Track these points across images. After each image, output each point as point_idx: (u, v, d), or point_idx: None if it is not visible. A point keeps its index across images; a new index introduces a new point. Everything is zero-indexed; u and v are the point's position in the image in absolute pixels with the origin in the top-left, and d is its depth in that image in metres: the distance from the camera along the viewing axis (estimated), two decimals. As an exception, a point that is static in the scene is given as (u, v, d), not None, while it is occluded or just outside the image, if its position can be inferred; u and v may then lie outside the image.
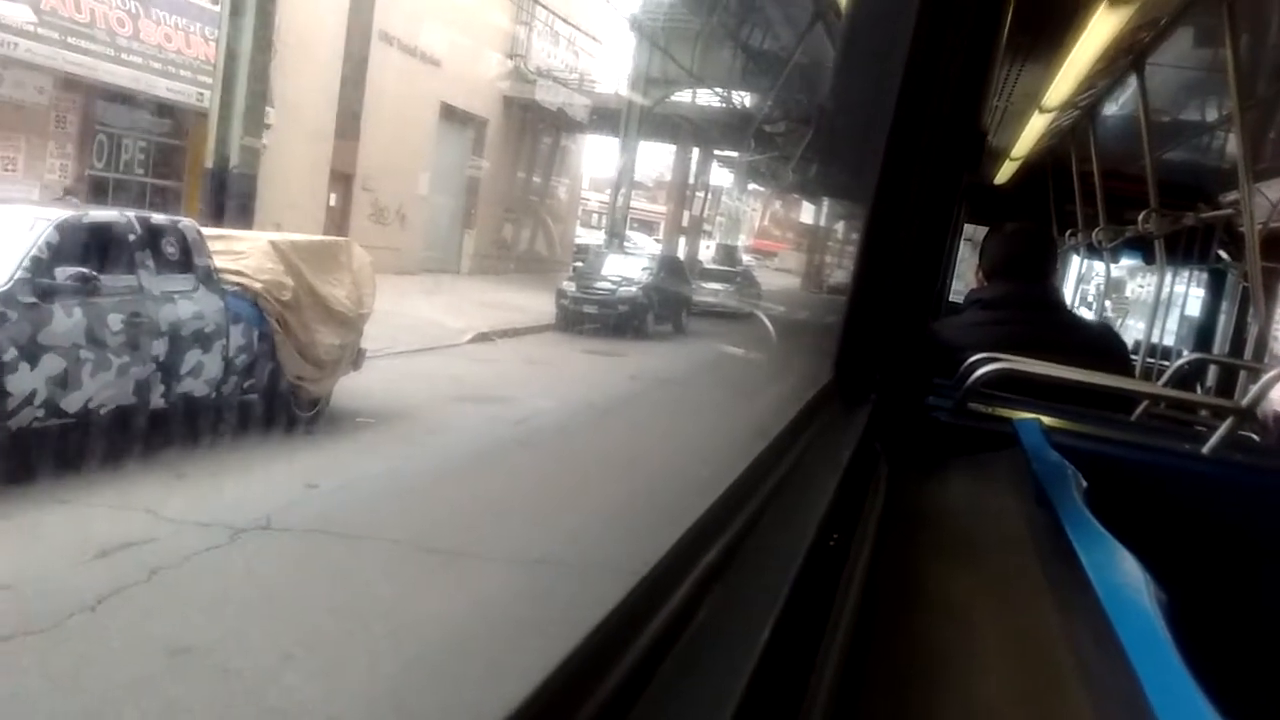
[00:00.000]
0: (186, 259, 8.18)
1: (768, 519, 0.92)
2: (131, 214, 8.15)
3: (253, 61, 12.84)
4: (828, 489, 1.10)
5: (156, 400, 7.72)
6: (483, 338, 16.08)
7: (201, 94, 16.15)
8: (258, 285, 8.59)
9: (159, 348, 7.71)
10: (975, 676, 1.02)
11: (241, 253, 8.76)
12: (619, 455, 9.17)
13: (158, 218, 8.45)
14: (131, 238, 7.78)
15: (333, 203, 22.66)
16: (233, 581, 5.74)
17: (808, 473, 1.18)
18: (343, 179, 22.82)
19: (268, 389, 8.80)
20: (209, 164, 12.88)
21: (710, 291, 26.83)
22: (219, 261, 8.46)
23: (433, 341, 14.64)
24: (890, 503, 1.44)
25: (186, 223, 8.54)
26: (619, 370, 16.67)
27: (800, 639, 0.77)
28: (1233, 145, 7.00)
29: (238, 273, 8.56)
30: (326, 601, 5.52)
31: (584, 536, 6.46)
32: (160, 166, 17.96)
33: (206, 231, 8.68)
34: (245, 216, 12.76)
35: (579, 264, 24.74)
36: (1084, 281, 12.97)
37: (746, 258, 47.55)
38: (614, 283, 20.62)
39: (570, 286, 20.59)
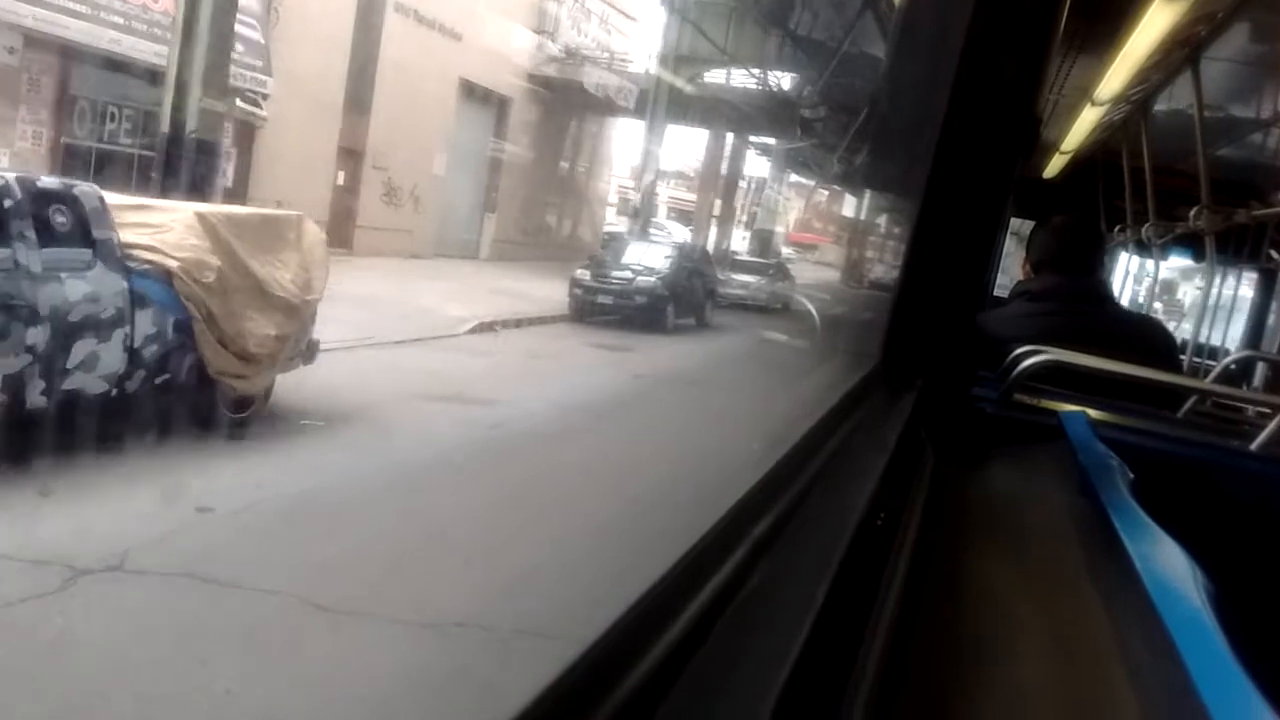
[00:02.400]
0: (82, 231, 6.82)
1: (816, 495, 0.93)
2: (11, 176, 6.78)
3: (215, 14, 11.41)
4: (875, 469, 1.10)
5: (34, 398, 6.38)
6: (484, 328, 15.13)
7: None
8: (173, 264, 7.20)
9: (37, 335, 6.37)
10: (1020, 665, 1.02)
11: (160, 226, 7.39)
12: (602, 470, 7.77)
13: (46, 181, 7.14)
14: (8, 204, 6.45)
15: (341, 181, 21.46)
16: (32, 651, 4.27)
17: (855, 452, 1.19)
18: (352, 156, 21.66)
19: (186, 386, 7.36)
20: (164, 129, 11.38)
21: (741, 284, 25.64)
22: (129, 235, 7.12)
23: (426, 331, 13.61)
24: (935, 490, 1.44)
25: (85, 188, 7.16)
26: (625, 367, 15.11)
27: (850, 611, 0.78)
28: (1288, 142, 6.90)
29: (151, 249, 7.20)
30: (139, 686, 4.15)
31: (527, 588, 5.16)
32: (147, 135, 15.83)
33: (118, 200, 7.37)
34: (205, 187, 11.40)
35: (596, 252, 23.40)
36: (1136, 282, 12.52)
37: (785, 250, 46.71)
38: (632, 272, 19.51)
39: (585, 275, 19.32)
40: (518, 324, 16.53)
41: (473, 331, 14.72)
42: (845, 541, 0.81)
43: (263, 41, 17.19)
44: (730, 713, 0.55)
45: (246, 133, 17.72)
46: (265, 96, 17.39)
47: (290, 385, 8.43)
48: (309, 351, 8.66)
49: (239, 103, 16.66)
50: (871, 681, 0.74)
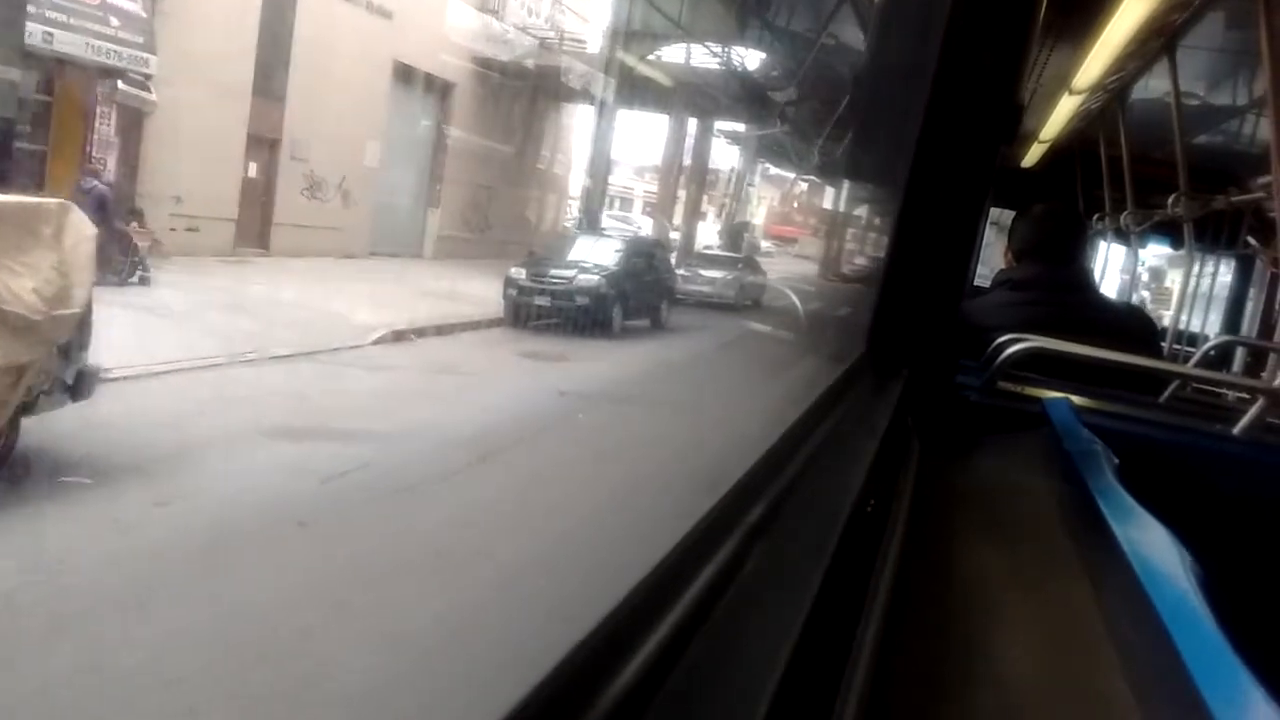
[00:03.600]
0: None
1: (808, 481, 0.93)
2: None
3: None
4: (865, 456, 1.10)
5: None
6: (397, 337, 13.13)
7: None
8: None
9: None
10: (1012, 648, 1.02)
11: None
12: (459, 548, 5.34)
13: None
14: None
15: (252, 173, 19.20)
16: None
17: (845, 439, 1.19)
18: (265, 145, 19.40)
19: None
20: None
21: (706, 280, 23.75)
22: None
23: (323, 343, 11.46)
24: (922, 476, 1.45)
25: None
26: (552, 381, 12.59)
27: (845, 596, 0.78)
28: (1265, 129, 6.94)
29: None
30: None
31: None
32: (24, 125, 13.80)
33: None
34: (-1, 173, 8.55)
35: (536, 247, 20.63)
36: (1123, 271, 12.26)
37: (765, 243, 45.76)
38: (573, 269, 17.41)
39: (520, 274, 17.03)
40: (442, 331, 14.51)
41: (381, 341, 12.71)
42: (839, 527, 0.81)
43: (144, 15, 15.44)
44: (730, 697, 0.55)
45: (133, 119, 15.86)
46: (149, 78, 15.45)
47: (64, 429, 6.13)
48: (81, 384, 6.45)
49: (121, 85, 15.23)
50: (868, 665, 0.75)
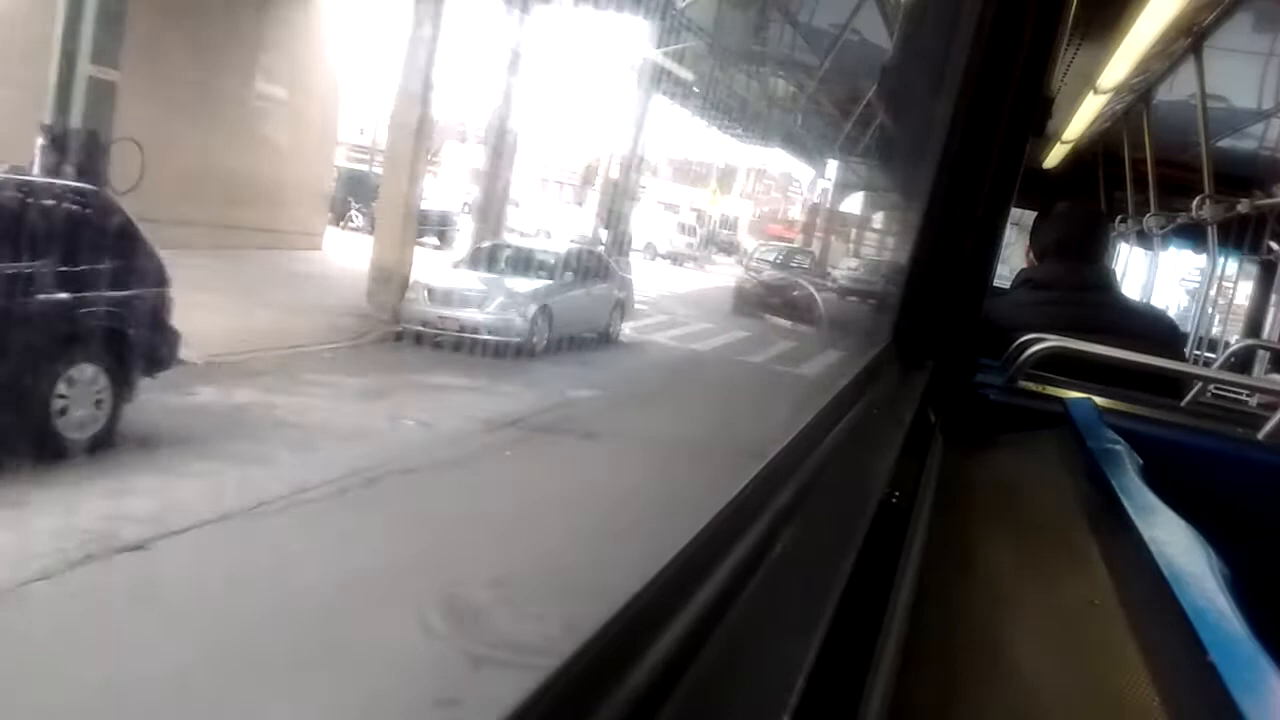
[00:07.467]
0: None
1: (835, 466, 0.92)
2: None
3: None
4: (891, 444, 1.10)
5: None
6: None
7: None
8: None
9: None
10: (1036, 644, 1.02)
11: None
12: None
13: None
14: None
15: None
16: None
17: (872, 427, 1.18)
18: None
19: None
20: None
21: (472, 298, 12.48)
22: None
23: None
24: (945, 471, 1.44)
25: None
26: None
27: (872, 583, 0.77)
28: (1290, 133, 6.91)
29: None
30: None
31: None
32: None
33: None
34: None
35: None
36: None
37: (754, 244, 42.43)
38: None
39: None
40: None
41: None
42: (867, 515, 0.80)
43: None
44: (759, 679, 0.55)
45: None
46: None
47: None
48: None
49: None
50: (894, 652, 0.74)
